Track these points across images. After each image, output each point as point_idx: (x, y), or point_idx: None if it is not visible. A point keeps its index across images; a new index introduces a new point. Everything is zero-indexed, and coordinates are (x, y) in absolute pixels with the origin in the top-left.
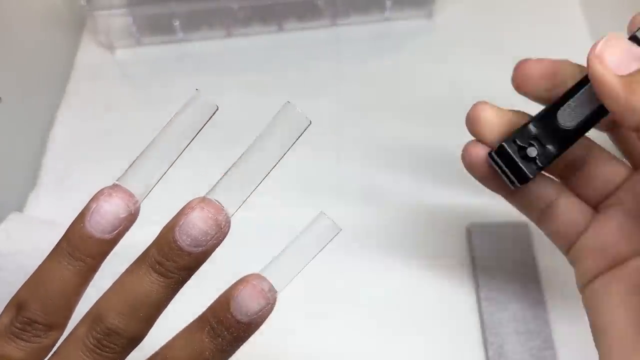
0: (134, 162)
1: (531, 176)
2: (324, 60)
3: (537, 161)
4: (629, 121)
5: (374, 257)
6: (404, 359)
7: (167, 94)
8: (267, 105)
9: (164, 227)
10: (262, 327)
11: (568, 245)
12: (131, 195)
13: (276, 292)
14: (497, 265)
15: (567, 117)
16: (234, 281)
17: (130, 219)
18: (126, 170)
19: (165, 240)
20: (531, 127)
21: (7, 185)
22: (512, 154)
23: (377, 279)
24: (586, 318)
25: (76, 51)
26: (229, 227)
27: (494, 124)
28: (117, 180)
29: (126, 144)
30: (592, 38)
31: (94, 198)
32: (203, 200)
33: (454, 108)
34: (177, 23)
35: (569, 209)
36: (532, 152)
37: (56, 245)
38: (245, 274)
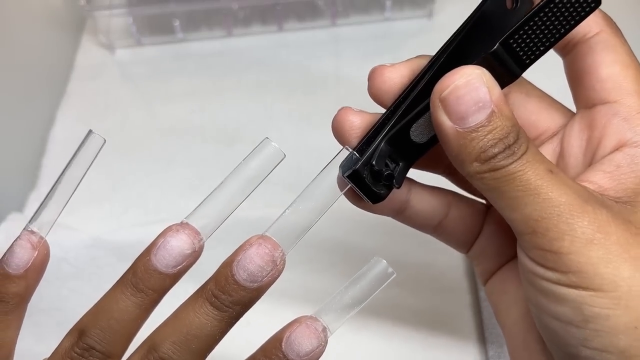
0: (202, 201)
1: (384, 197)
2: (324, 60)
3: (393, 181)
4: (459, 169)
5: (372, 256)
6: (404, 358)
7: (167, 94)
8: (266, 105)
9: (223, 262)
10: (258, 328)
11: (467, 249)
12: (197, 233)
13: (330, 333)
14: None
15: (419, 133)
16: None
17: (195, 255)
18: (195, 209)
19: (223, 275)
20: (384, 146)
21: (7, 185)
22: (365, 179)
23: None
24: None
25: (76, 51)
26: (283, 265)
27: (360, 129)
28: (185, 218)
29: (126, 144)
30: None
31: (162, 233)
32: (261, 237)
33: None
34: (177, 23)
35: (460, 219)
36: (387, 171)
37: (122, 275)
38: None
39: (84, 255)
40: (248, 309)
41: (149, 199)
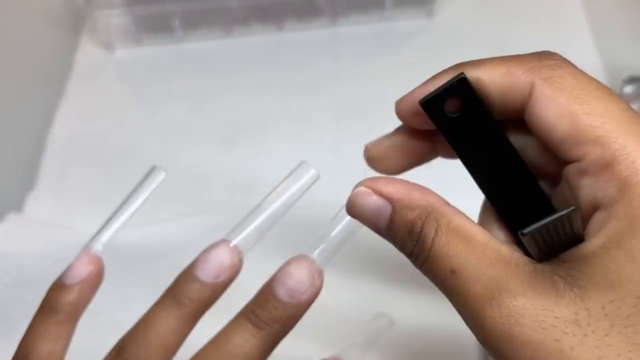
0: (243, 220)
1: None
2: (323, 59)
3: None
4: None
5: (372, 256)
6: (404, 358)
7: (166, 94)
8: (266, 104)
9: (264, 283)
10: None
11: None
12: (235, 248)
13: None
14: None
15: None
16: (235, 281)
17: (234, 269)
18: (234, 228)
19: (263, 293)
20: None
21: (6, 185)
22: None
23: (376, 278)
24: None
25: (75, 51)
26: (322, 281)
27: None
28: (225, 236)
29: (125, 144)
30: (592, 37)
31: (204, 251)
32: (300, 255)
33: None
34: (176, 23)
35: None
36: None
37: (164, 292)
38: (249, 270)
39: None
40: (289, 328)
41: (149, 199)
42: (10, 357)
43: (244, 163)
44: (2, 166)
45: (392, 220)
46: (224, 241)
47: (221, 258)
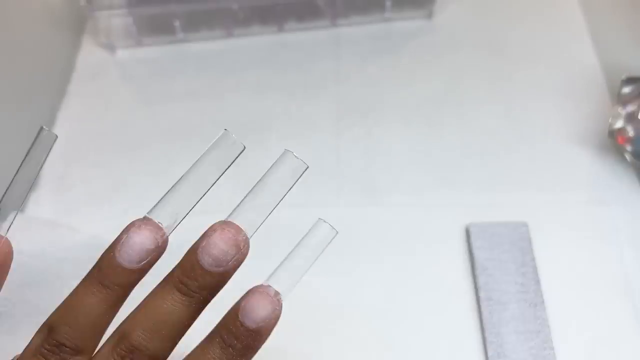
0: (164, 196)
1: None
2: (324, 60)
3: None
4: None
5: (373, 256)
6: (404, 358)
7: (167, 94)
8: (267, 104)
9: (188, 250)
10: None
11: None
12: (159, 228)
13: (281, 297)
14: (497, 265)
15: None
16: (236, 280)
17: (158, 251)
18: (156, 204)
19: (189, 261)
20: None
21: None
22: None
23: (376, 278)
24: (586, 317)
25: (77, 52)
26: (247, 248)
27: None
28: (147, 213)
29: (126, 144)
30: (591, 38)
31: (125, 229)
32: (224, 222)
33: (453, 108)
34: (177, 23)
35: None
36: None
37: (89, 272)
38: (247, 275)
39: (84, 255)
40: (216, 293)
41: (149, 199)
42: (13, 355)
43: (244, 162)
44: (5, 166)
45: None
46: (145, 221)
47: (144, 242)
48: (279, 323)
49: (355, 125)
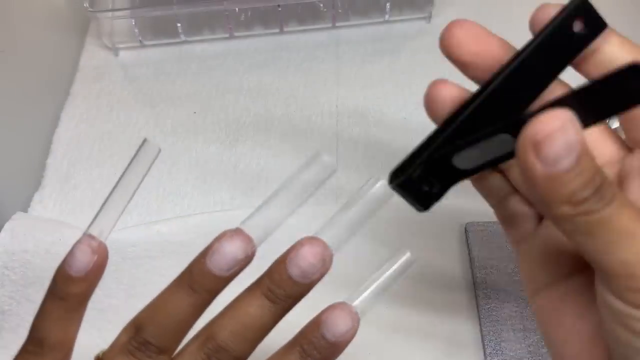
0: (257, 209)
1: (425, 209)
2: (324, 61)
3: (433, 197)
4: (545, 212)
5: (372, 256)
6: (403, 357)
7: (170, 95)
8: (267, 106)
9: (276, 260)
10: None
11: (517, 242)
12: (250, 239)
13: (360, 316)
14: (494, 264)
15: (466, 160)
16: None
17: (246, 260)
18: (249, 216)
19: (277, 271)
20: (423, 167)
21: (12, 185)
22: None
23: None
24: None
25: (80, 53)
26: (331, 263)
27: (451, 104)
28: (240, 225)
29: (129, 145)
30: None
31: (218, 238)
32: (312, 237)
33: None
34: (179, 25)
35: (519, 205)
36: (425, 187)
37: (179, 275)
38: (249, 270)
39: None
40: (297, 302)
41: (151, 200)
42: (17, 351)
43: (246, 163)
44: (9, 166)
45: (578, 161)
46: (237, 232)
47: (235, 252)
48: (280, 321)
49: (355, 125)
